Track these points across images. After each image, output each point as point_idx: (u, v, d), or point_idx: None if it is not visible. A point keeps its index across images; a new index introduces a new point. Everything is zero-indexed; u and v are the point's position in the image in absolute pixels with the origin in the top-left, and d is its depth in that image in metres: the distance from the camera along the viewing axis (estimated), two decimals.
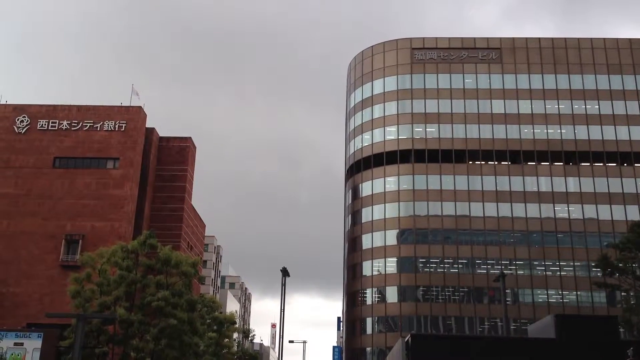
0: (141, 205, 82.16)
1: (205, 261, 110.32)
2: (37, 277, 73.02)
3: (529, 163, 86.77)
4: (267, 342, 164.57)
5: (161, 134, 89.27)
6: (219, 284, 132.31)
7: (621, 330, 42.69)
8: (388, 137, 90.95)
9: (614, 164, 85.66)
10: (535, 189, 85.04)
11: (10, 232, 75.41)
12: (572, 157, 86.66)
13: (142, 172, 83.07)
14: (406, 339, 21.12)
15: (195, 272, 21.24)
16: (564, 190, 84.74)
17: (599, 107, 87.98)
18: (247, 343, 58.85)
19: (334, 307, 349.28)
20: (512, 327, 73.46)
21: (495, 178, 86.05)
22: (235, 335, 31.53)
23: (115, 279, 19.98)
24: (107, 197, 77.25)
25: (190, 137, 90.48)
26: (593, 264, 63.53)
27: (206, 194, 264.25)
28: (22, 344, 58.11)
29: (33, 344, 58.26)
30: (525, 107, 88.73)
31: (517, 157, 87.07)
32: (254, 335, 44.57)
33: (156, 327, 19.43)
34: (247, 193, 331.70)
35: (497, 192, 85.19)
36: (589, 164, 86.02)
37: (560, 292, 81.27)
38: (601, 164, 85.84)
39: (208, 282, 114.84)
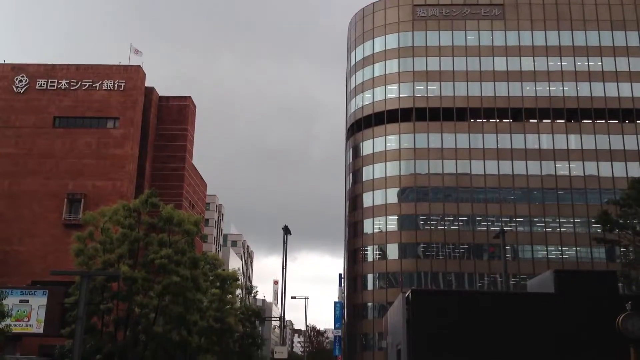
0: (142, 165, 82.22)
1: (207, 220, 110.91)
2: (40, 236, 73.63)
3: (530, 120, 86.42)
4: (269, 299, 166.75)
5: (164, 94, 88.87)
6: (221, 242, 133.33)
7: (620, 285, 43.14)
8: (389, 96, 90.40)
9: (616, 121, 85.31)
10: (536, 146, 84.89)
11: (12, 192, 75.73)
12: (574, 114, 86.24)
13: (143, 131, 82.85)
14: (406, 295, 21.38)
15: (198, 231, 21.39)
16: (565, 148, 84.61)
17: (602, 64, 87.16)
18: (250, 299, 59.68)
19: (339, 263, 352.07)
20: (511, 282, 74.27)
21: (497, 136, 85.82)
22: (238, 291, 31.92)
23: (118, 237, 20.13)
24: (108, 157, 77.32)
25: (190, 97, 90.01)
26: (593, 220, 63.83)
27: (209, 154, 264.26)
28: (27, 301, 58.89)
29: (38, 301, 59.04)
30: (527, 64, 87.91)
31: (519, 114, 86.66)
32: (256, 291, 45.15)
33: (160, 284, 19.63)
34: (251, 153, 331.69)
35: (498, 149, 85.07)
36: (590, 121, 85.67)
37: (559, 248, 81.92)
38: (603, 121, 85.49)
39: (210, 241, 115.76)
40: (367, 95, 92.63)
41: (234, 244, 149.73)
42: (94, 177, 76.40)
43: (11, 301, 46.12)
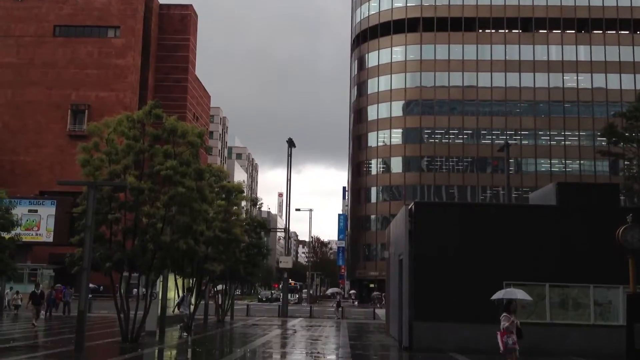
0: (144, 76, 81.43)
1: (211, 132, 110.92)
2: (46, 146, 74.02)
3: (540, 31, 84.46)
4: (274, 211, 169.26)
5: (165, 3, 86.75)
6: (225, 155, 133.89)
7: (622, 197, 43.49)
8: (396, 5, 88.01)
9: (627, 32, 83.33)
10: (545, 57, 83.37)
11: (15, 102, 75.54)
12: (584, 24, 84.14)
13: (144, 41, 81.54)
14: (409, 207, 21.60)
15: (202, 142, 21.26)
16: (574, 59, 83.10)
17: None
18: (255, 211, 60.62)
19: (343, 176, 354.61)
20: (513, 195, 74.88)
21: (505, 47, 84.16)
22: (243, 203, 32.28)
23: (123, 148, 20.07)
24: (110, 67, 76.56)
25: (191, 5, 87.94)
26: (599, 133, 63.59)
27: (213, 66, 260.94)
28: (36, 211, 59.92)
29: (47, 211, 60.11)
30: None
31: (529, 24, 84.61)
32: (261, 204, 45.72)
33: (166, 194, 19.80)
34: (256, 65, 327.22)
35: (506, 61, 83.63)
36: (601, 31, 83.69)
37: (563, 162, 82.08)
38: (614, 32, 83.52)
39: (215, 153, 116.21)
40: (373, 4, 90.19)
41: (239, 156, 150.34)
42: (96, 87, 75.93)
43: (20, 211, 46.94)
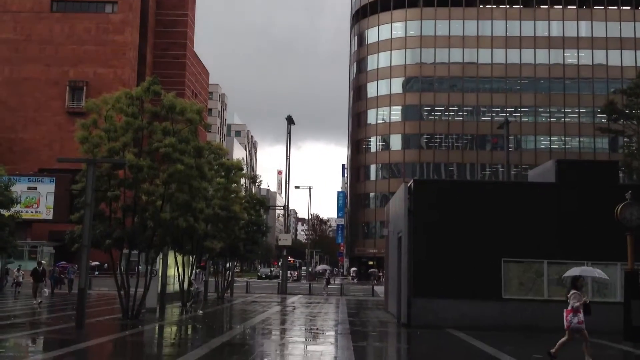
0: (143, 52, 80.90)
1: (210, 109, 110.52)
2: (44, 124, 73.77)
3: (541, 6, 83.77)
4: (274, 189, 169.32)
5: None
6: (225, 132, 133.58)
7: (621, 175, 43.54)
8: None
9: (628, 7, 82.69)
10: (546, 33, 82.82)
11: (13, 79, 75.10)
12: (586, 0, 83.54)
13: (142, 17, 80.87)
14: (409, 184, 21.60)
15: (201, 119, 21.17)
16: (575, 35, 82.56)
17: None
18: (254, 188, 60.49)
19: (343, 154, 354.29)
20: (513, 172, 74.89)
21: (506, 23, 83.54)
22: (242, 181, 32.28)
23: (122, 125, 19.99)
24: (108, 43, 75.99)
25: None
26: (598, 110, 63.40)
27: (213, 43, 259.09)
28: (35, 188, 59.93)
29: (46, 188, 60.12)
30: None
31: None
32: (261, 181, 45.79)
33: (165, 172, 19.77)
34: (257, 42, 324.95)
35: (506, 37, 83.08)
36: (602, 7, 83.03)
37: (563, 139, 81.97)
38: (615, 7, 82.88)
39: (214, 130, 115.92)
40: None
41: (238, 134, 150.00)
42: (94, 64, 75.44)
43: (19, 188, 46.95)
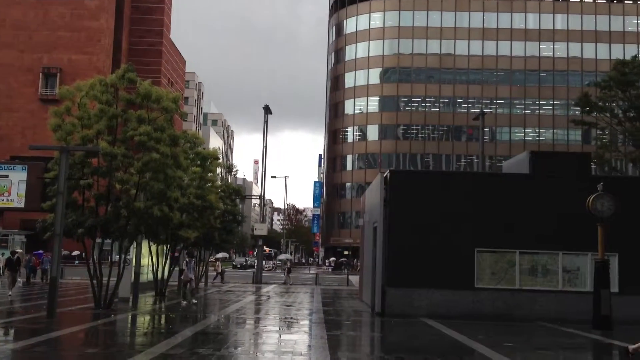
0: (118, 39, 79.91)
1: (186, 98, 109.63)
2: (17, 111, 72.61)
3: None
4: (250, 178, 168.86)
5: None
6: (201, 121, 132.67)
7: (593, 166, 44.11)
8: None
9: (604, 1, 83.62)
10: (522, 26, 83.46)
11: None
12: None
13: (118, 3, 79.83)
14: (385, 174, 21.67)
15: (177, 108, 20.96)
16: (551, 28, 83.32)
17: None
18: (230, 178, 60.29)
19: (320, 144, 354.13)
20: (487, 163, 75.57)
21: (483, 15, 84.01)
22: (218, 170, 32.08)
23: (96, 113, 19.73)
24: (83, 29, 74.93)
25: None
26: (572, 103, 64.15)
27: (190, 31, 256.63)
28: (7, 176, 58.92)
29: (18, 176, 59.10)
30: None
31: None
32: (237, 170, 45.43)
33: (139, 160, 19.57)
34: (236, 31, 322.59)
35: (483, 29, 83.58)
36: (578, 0, 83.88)
37: (537, 130, 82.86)
38: (591, 1, 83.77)
39: (190, 119, 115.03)
40: None
41: (214, 123, 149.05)
42: (69, 50, 74.37)
43: None
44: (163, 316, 19.59)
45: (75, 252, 54.76)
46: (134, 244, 23.40)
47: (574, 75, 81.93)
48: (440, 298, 20.22)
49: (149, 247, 26.29)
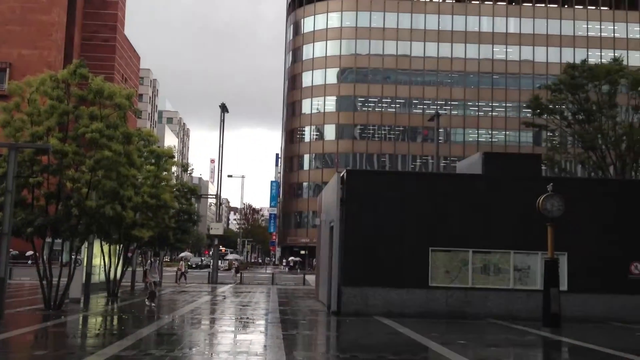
0: (70, 34, 78.15)
1: (141, 95, 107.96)
2: None
3: (473, 2, 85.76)
4: (206, 177, 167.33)
5: None
6: (156, 119, 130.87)
7: (544, 167, 45.13)
8: None
9: (555, 5, 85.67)
10: (476, 29, 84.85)
11: None
12: None
13: None
14: (341, 174, 21.75)
15: (130, 105, 20.61)
16: (504, 31, 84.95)
17: None
18: (185, 177, 59.65)
19: (277, 143, 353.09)
20: (442, 164, 76.60)
21: (439, 17, 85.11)
22: (174, 169, 31.64)
23: (46, 109, 19.25)
24: (33, 23, 73.03)
25: None
26: (524, 105, 65.50)
27: (146, 27, 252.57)
28: None
29: None
30: None
31: None
32: (192, 169, 45.14)
33: (91, 158, 19.18)
34: (197, 28, 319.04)
35: (439, 31, 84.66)
36: (530, 4, 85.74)
37: (490, 132, 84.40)
38: (542, 5, 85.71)
39: (145, 117, 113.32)
40: None
41: (170, 120, 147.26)
42: (19, 45, 72.40)
43: None
44: (115, 317, 19.24)
45: (29, 252, 53.23)
46: (86, 244, 22.92)
47: (526, 78, 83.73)
48: (395, 297, 20.41)
49: (101, 246, 25.80)
